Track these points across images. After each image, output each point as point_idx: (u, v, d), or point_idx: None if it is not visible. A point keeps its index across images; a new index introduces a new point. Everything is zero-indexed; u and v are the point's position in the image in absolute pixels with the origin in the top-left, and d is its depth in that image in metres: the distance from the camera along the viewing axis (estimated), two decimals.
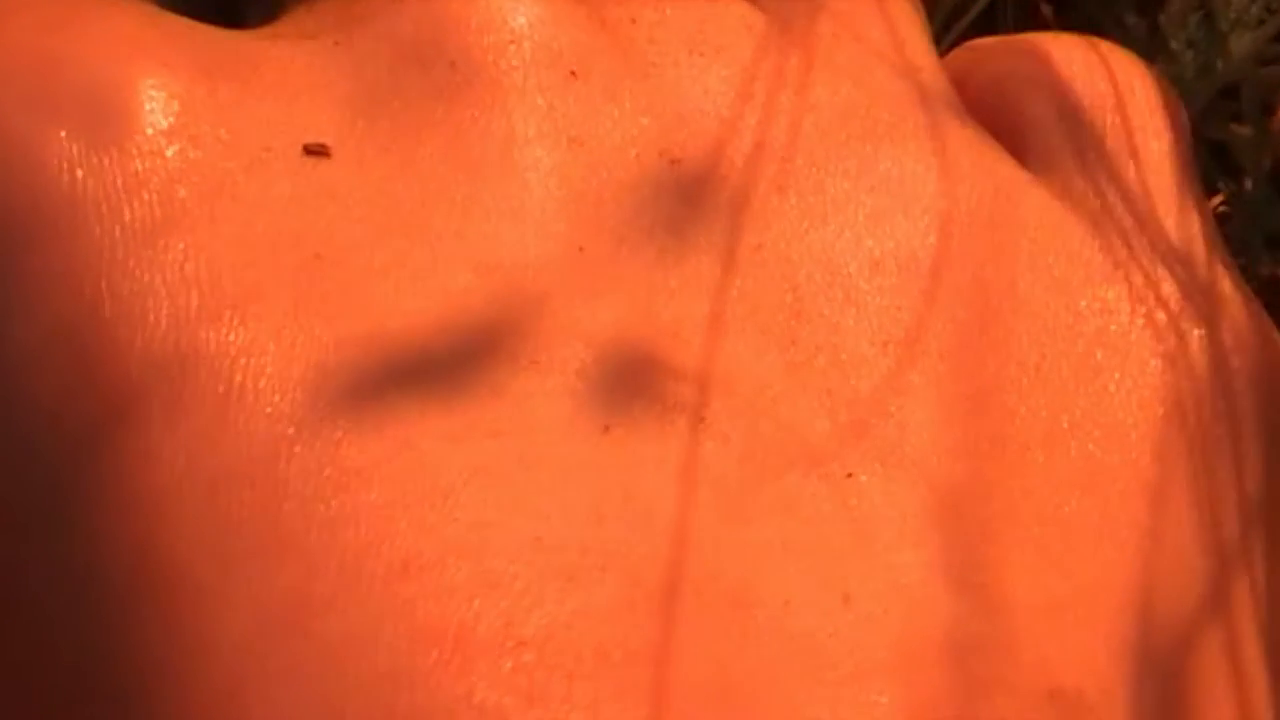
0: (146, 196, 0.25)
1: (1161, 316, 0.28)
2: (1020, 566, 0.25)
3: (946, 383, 0.26)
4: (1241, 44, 0.39)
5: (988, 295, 0.27)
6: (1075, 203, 0.29)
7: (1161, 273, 0.28)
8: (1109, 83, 0.30)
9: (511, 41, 0.27)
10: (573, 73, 0.27)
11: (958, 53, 0.31)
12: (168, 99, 0.25)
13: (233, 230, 0.25)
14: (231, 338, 0.24)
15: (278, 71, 0.26)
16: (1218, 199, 0.41)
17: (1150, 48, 0.39)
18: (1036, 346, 0.27)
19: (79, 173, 0.24)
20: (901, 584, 0.24)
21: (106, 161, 0.25)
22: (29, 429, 0.24)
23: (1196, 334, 0.28)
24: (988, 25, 0.39)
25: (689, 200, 0.27)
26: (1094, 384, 0.27)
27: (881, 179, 0.27)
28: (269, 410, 0.24)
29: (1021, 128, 0.30)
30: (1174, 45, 0.39)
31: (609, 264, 0.26)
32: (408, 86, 0.26)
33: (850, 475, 0.25)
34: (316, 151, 0.26)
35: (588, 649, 0.23)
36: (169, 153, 0.25)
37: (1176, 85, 0.33)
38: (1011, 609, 0.25)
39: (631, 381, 0.25)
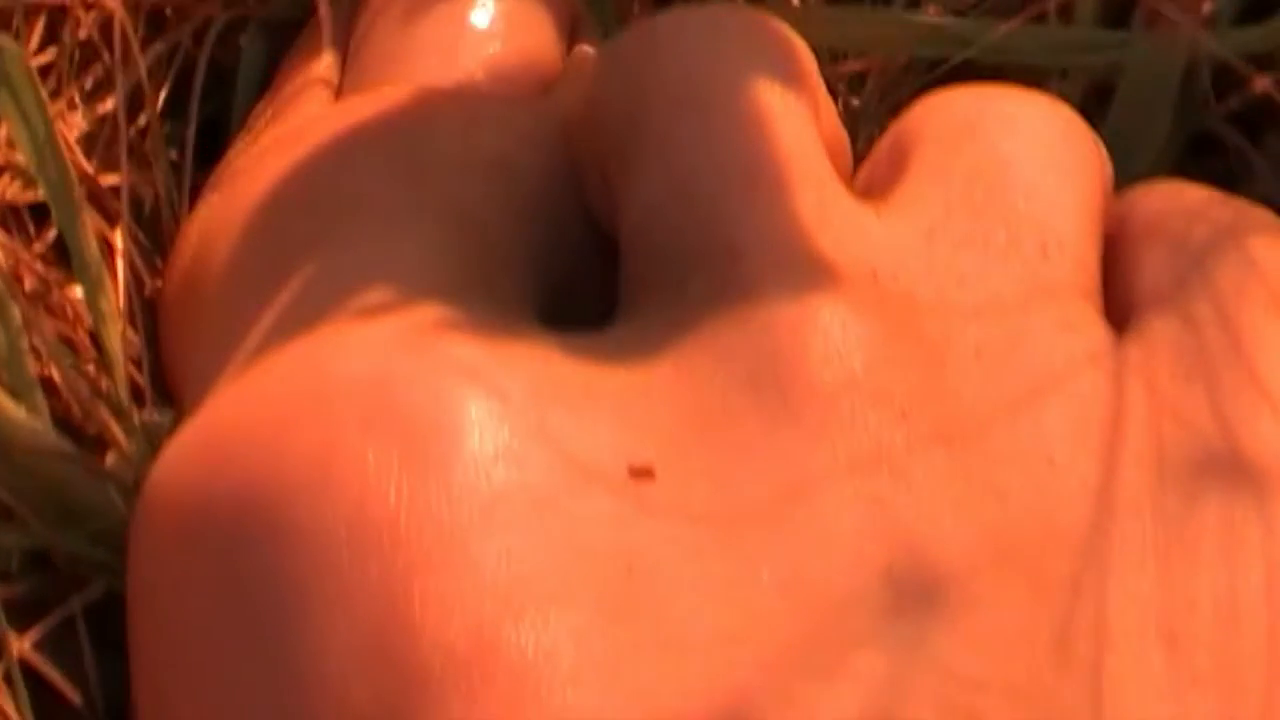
0: (467, 509, 0.26)
1: None
2: None
3: None
4: None
5: None
6: None
7: None
8: None
9: (847, 383, 0.27)
10: (904, 414, 0.27)
11: None
12: (497, 425, 0.26)
13: (549, 540, 0.26)
14: (531, 636, 0.25)
15: (612, 396, 0.27)
16: None
17: None
18: None
19: (404, 489, 0.26)
20: None
21: (430, 480, 0.26)
22: None
23: None
24: None
25: (1012, 537, 0.27)
26: None
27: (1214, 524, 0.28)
28: (558, 704, 0.25)
29: None
30: None
31: (917, 595, 0.26)
32: (737, 411, 0.27)
33: None
34: (642, 474, 0.27)
35: None
36: (493, 474, 0.26)
37: None
38: None
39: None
